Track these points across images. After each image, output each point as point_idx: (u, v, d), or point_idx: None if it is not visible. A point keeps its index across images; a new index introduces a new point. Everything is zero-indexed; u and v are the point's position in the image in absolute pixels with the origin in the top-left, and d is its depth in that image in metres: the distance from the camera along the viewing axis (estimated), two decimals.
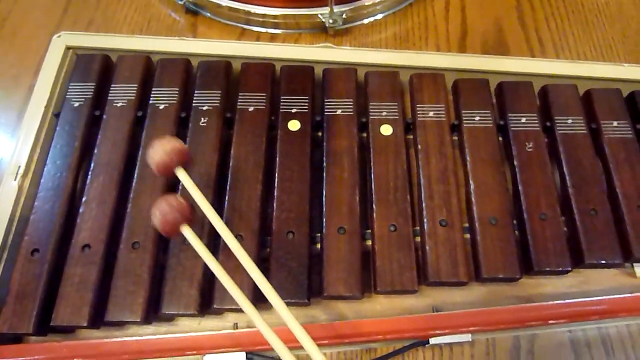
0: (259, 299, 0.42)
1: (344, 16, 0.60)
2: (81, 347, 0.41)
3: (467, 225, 0.46)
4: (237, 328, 0.43)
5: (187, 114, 0.50)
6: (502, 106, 0.51)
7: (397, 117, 0.50)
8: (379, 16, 0.64)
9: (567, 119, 0.50)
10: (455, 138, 0.51)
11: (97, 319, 0.42)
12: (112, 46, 0.55)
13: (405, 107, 0.53)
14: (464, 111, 0.50)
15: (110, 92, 0.51)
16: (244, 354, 0.41)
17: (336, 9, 0.60)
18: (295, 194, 0.46)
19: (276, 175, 0.47)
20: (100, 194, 0.46)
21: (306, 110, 0.50)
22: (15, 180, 0.47)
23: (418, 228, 0.45)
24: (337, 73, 0.52)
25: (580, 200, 0.46)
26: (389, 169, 0.47)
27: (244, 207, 0.45)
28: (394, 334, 0.41)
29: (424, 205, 0.45)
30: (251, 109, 0.50)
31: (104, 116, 0.50)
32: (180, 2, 0.63)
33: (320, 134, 0.50)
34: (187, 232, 0.39)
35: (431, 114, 0.50)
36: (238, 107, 0.50)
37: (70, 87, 0.51)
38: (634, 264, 0.47)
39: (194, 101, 0.51)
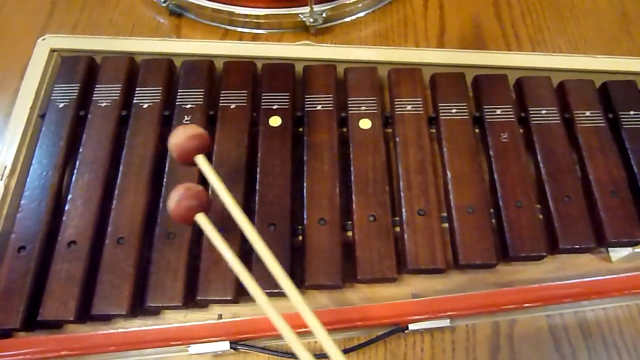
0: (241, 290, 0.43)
1: (324, 15, 0.62)
2: (68, 340, 0.42)
3: (445, 214, 0.47)
4: (221, 319, 0.44)
5: (171, 113, 0.51)
6: (478, 99, 0.52)
7: (375, 112, 0.51)
8: (359, 15, 0.65)
9: (541, 110, 0.51)
10: (433, 130, 0.52)
11: (84, 314, 0.43)
12: (97, 48, 0.56)
13: (384, 101, 0.54)
14: (440, 104, 0.51)
15: (95, 92, 0.52)
16: (228, 342, 0.42)
17: (316, 8, 0.61)
18: (277, 188, 0.47)
19: (258, 170, 0.48)
20: (85, 192, 0.47)
21: (287, 107, 0.51)
22: (1, 180, 0.48)
23: (397, 218, 0.47)
24: (317, 70, 0.54)
25: (554, 187, 0.47)
26: (368, 162, 0.48)
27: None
28: (372, 321, 0.42)
29: (402, 195, 0.47)
30: (233, 106, 0.51)
31: (89, 116, 0.51)
32: (163, 5, 0.64)
33: (301, 129, 0.51)
34: (202, 220, 0.40)
35: (409, 107, 0.51)
36: (220, 104, 0.51)
37: (55, 88, 0.52)
38: (609, 249, 0.48)
39: (177, 100, 0.52)
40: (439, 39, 0.63)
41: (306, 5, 0.60)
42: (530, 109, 0.51)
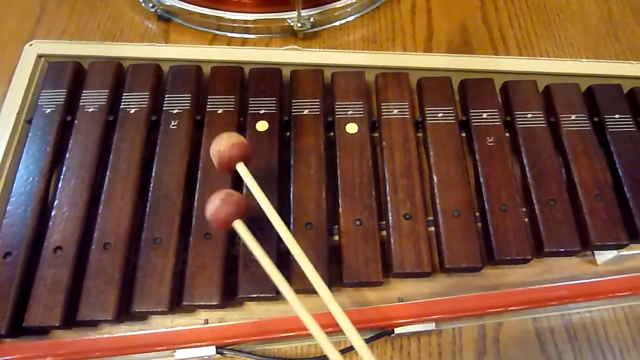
0: (227, 296, 0.43)
1: (312, 20, 0.62)
2: (53, 345, 0.41)
3: (431, 218, 0.47)
4: (207, 324, 0.44)
5: (158, 117, 0.51)
6: (465, 103, 0.53)
7: (362, 116, 0.51)
8: (347, 19, 0.66)
9: (527, 114, 0.51)
10: (420, 134, 0.52)
11: (70, 319, 0.42)
12: (84, 53, 0.56)
13: (371, 106, 0.54)
14: (427, 108, 0.52)
15: (82, 97, 0.52)
16: (214, 347, 0.42)
17: (304, 13, 0.61)
18: (263, 192, 0.47)
19: None
20: (71, 197, 0.47)
21: (274, 111, 0.51)
22: None
23: (383, 222, 0.47)
24: (304, 74, 0.54)
25: (539, 191, 0.47)
26: (355, 166, 0.48)
27: None
28: (357, 325, 0.42)
29: (388, 199, 0.47)
30: (220, 111, 0.51)
31: (76, 121, 0.51)
32: (152, 10, 0.64)
33: (288, 133, 0.51)
34: (239, 226, 0.40)
35: (395, 111, 0.51)
36: (207, 109, 0.51)
37: (42, 93, 0.52)
38: (595, 252, 0.49)
39: (164, 105, 0.52)
40: (426, 43, 0.64)
41: (294, 10, 0.61)
42: (516, 112, 0.51)
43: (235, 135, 0.44)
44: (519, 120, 0.51)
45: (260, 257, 0.39)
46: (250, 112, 0.51)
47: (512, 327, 0.47)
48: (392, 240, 0.45)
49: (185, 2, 0.63)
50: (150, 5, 0.64)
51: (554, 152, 0.49)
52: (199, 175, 0.48)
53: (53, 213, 0.46)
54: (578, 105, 0.52)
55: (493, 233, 0.45)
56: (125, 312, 0.43)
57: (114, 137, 0.50)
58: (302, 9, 0.61)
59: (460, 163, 0.49)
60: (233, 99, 0.52)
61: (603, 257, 0.48)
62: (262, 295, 0.43)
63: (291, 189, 0.47)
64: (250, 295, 0.43)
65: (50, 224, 0.45)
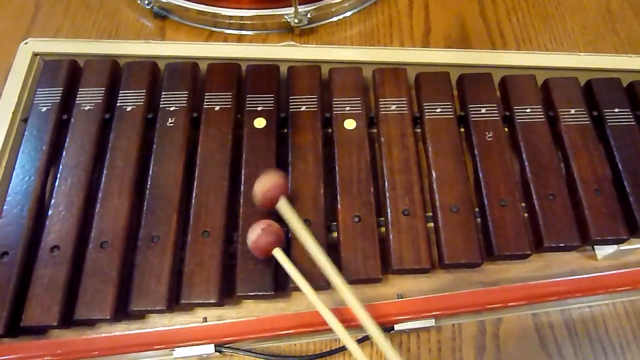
0: (226, 294, 0.43)
1: (309, 16, 0.61)
2: (51, 345, 0.41)
3: (429, 214, 0.47)
4: (206, 322, 0.44)
5: (154, 115, 0.51)
6: (463, 98, 0.52)
7: (360, 112, 0.51)
8: (344, 15, 0.65)
9: (526, 108, 0.51)
10: (418, 130, 0.52)
11: (67, 319, 0.42)
12: (80, 51, 0.56)
13: (369, 102, 0.54)
14: (425, 104, 0.51)
15: (78, 96, 0.52)
16: (212, 346, 0.42)
17: (301, 8, 0.61)
18: None
19: (242, 172, 0.48)
20: (68, 196, 0.46)
21: (271, 108, 0.51)
22: None
23: (382, 218, 0.46)
24: (302, 71, 0.54)
25: (539, 186, 0.47)
26: (353, 162, 0.48)
27: (211, 204, 0.46)
28: (357, 321, 0.42)
29: (387, 195, 0.47)
30: (217, 108, 0.51)
31: (72, 120, 0.50)
32: (147, 7, 0.64)
33: (285, 130, 0.51)
34: (279, 254, 0.42)
35: (393, 107, 0.51)
36: (204, 106, 0.51)
37: (37, 92, 0.52)
38: (595, 247, 0.48)
39: (161, 102, 0.51)
40: (424, 38, 0.63)
41: (291, 6, 0.60)
42: (514, 107, 0.51)
43: (276, 175, 0.44)
44: (517, 115, 0.51)
45: (305, 290, 0.41)
46: (247, 109, 0.51)
47: (512, 322, 0.47)
48: (391, 236, 0.45)
49: None
50: (146, 2, 0.64)
51: (553, 146, 0.49)
52: (196, 173, 0.48)
53: (50, 212, 0.46)
54: (577, 100, 0.52)
55: (492, 228, 0.45)
56: (123, 311, 0.43)
57: (111, 136, 0.49)
58: (299, 4, 0.60)
59: (458, 158, 0.48)
60: (230, 96, 0.52)
61: (603, 251, 0.48)
62: (260, 293, 0.43)
63: (289, 186, 0.47)
64: (249, 294, 0.43)
65: (46, 223, 0.45)
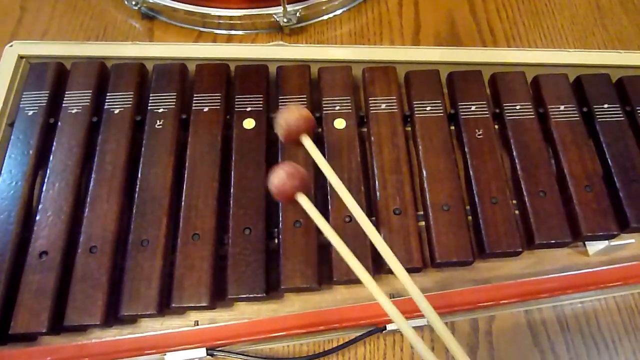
0: (217, 297, 0.43)
1: (298, 15, 0.61)
2: (41, 352, 0.41)
3: (421, 212, 0.47)
4: (197, 325, 0.44)
5: (143, 117, 0.50)
6: (453, 95, 0.52)
7: (350, 111, 0.51)
8: (334, 14, 0.65)
9: (516, 105, 0.51)
10: (408, 128, 0.52)
11: (57, 325, 0.42)
12: (66, 53, 0.55)
13: (359, 101, 0.54)
14: (415, 102, 0.51)
15: (65, 99, 0.51)
16: (204, 349, 0.42)
17: (290, 7, 0.60)
18: (251, 191, 0.46)
19: (232, 173, 0.47)
20: (56, 201, 0.46)
21: (261, 109, 0.51)
22: None
23: (373, 218, 0.46)
24: (291, 70, 0.53)
25: (529, 183, 0.47)
26: (343, 162, 0.48)
27: (200, 206, 0.46)
28: (349, 322, 0.42)
29: (377, 195, 0.46)
30: (206, 109, 0.51)
31: (59, 123, 0.50)
32: (135, 8, 0.63)
33: (275, 130, 0.50)
34: (303, 199, 0.41)
35: (383, 106, 0.51)
36: (193, 108, 0.51)
37: (23, 96, 0.51)
38: (586, 243, 0.48)
39: (149, 104, 0.51)
40: (414, 36, 0.63)
41: (280, 5, 0.60)
42: (504, 104, 0.51)
43: (303, 109, 0.44)
44: (507, 112, 0.51)
45: (328, 232, 0.40)
46: (236, 109, 0.51)
47: (505, 320, 0.47)
48: (382, 235, 0.45)
49: None
50: (134, 3, 0.63)
51: (543, 143, 0.49)
52: (185, 175, 0.47)
53: (37, 217, 0.45)
54: (567, 96, 0.52)
55: (483, 226, 0.45)
56: (113, 316, 0.43)
57: (99, 139, 0.49)
58: (288, 3, 0.60)
59: (449, 156, 0.48)
60: (219, 97, 0.51)
61: (594, 247, 0.48)
62: (251, 295, 0.42)
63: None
64: (240, 296, 0.43)
65: (34, 228, 0.45)
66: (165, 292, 0.43)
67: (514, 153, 0.49)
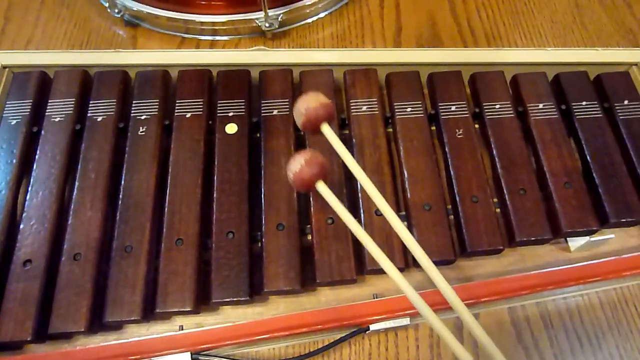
0: (201, 301, 0.43)
1: (279, 19, 0.62)
2: None
3: (402, 213, 0.47)
4: (182, 330, 0.44)
5: (126, 124, 0.51)
6: (433, 96, 0.53)
7: None
8: (316, 17, 0.65)
9: (495, 104, 0.52)
10: (389, 130, 0.52)
11: (42, 333, 0.42)
12: (50, 62, 0.55)
13: (341, 103, 0.54)
14: (396, 103, 0.52)
15: (48, 107, 0.51)
16: (188, 354, 0.42)
17: (271, 12, 0.61)
18: (234, 195, 0.47)
19: (215, 178, 0.48)
20: (40, 209, 0.46)
21: (243, 113, 0.51)
22: None
23: (355, 219, 0.47)
24: (273, 75, 0.54)
25: (509, 181, 0.48)
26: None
27: (184, 211, 0.46)
28: (333, 323, 0.42)
29: (359, 196, 0.47)
30: (189, 115, 0.51)
31: (42, 132, 0.50)
32: (118, 16, 0.63)
33: (258, 134, 0.51)
34: (322, 187, 0.41)
35: (364, 108, 0.51)
36: (176, 114, 0.51)
37: (7, 105, 0.51)
38: (568, 239, 0.49)
39: (132, 111, 0.51)
40: (395, 38, 0.64)
41: (261, 10, 0.60)
42: (484, 104, 0.52)
43: (321, 96, 0.44)
44: (487, 112, 0.51)
45: (347, 220, 0.40)
46: (219, 114, 0.51)
47: (488, 317, 0.48)
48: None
49: (152, 6, 0.62)
50: (116, 11, 0.63)
51: (522, 141, 0.50)
52: (168, 181, 0.47)
53: (21, 226, 0.45)
54: (545, 94, 0.52)
55: (464, 225, 0.46)
56: (98, 323, 0.43)
57: (82, 146, 0.49)
58: (270, 8, 0.61)
59: (430, 157, 0.49)
60: (201, 103, 0.52)
61: (576, 243, 0.48)
62: (235, 299, 0.43)
63: (262, 190, 0.47)
64: (224, 300, 0.43)
65: (18, 237, 0.45)
66: (150, 297, 0.43)
67: (494, 152, 0.49)
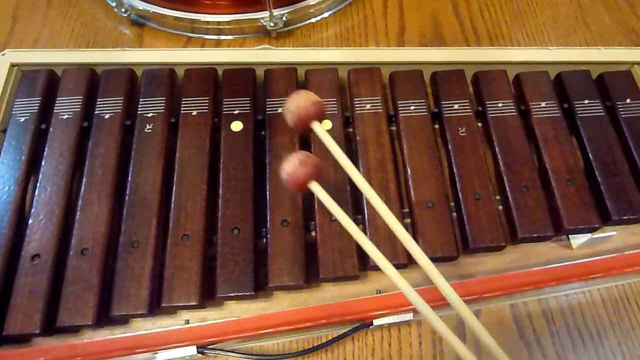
0: (207, 296, 0.44)
1: (284, 19, 0.62)
2: (33, 352, 0.42)
3: (406, 210, 0.48)
4: (188, 324, 0.44)
5: (132, 122, 0.51)
6: (436, 95, 0.53)
7: (336, 112, 0.52)
8: (320, 17, 0.66)
9: (498, 103, 0.52)
10: (393, 128, 0.53)
11: (50, 326, 0.43)
12: (57, 61, 0.56)
13: (345, 101, 0.55)
14: (399, 102, 0.52)
15: (56, 105, 0.52)
16: (194, 347, 0.42)
17: (276, 12, 0.61)
18: (240, 192, 0.47)
19: (220, 175, 0.48)
20: (48, 205, 0.47)
21: (248, 111, 0.52)
22: None
23: (359, 216, 0.47)
24: (278, 73, 0.54)
25: (512, 178, 0.48)
26: (329, 162, 0.48)
27: (190, 207, 0.47)
28: (336, 318, 0.43)
29: (363, 195, 0.47)
30: (194, 113, 0.52)
31: (50, 129, 0.51)
32: (124, 15, 0.64)
33: (262, 132, 0.51)
34: (316, 187, 0.41)
35: (368, 106, 0.52)
36: (182, 111, 0.52)
37: (16, 103, 0.52)
38: (570, 236, 0.49)
39: (138, 109, 0.52)
40: (398, 37, 0.64)
41: (266, 9, 0.61)
42: (487, 102, 0.52)
43: (312, 94, 0.44)
44: (490, 110, 0.52)
45: (342, 218, 0.40)
46: (224, 112, 0.52)
47: (490, 314, 0.48)
48: (368, 233, 0.46)
49: (158, 6, 0.63)
50: (123, 10, 0.64)
51: (525, 139, 0.50)
52: (175, 178, 0.48)
53: (30, 221, 0.46)
54: (548, 93, 0.53)
55: (467, 222, 0.46)
56: (105, 317, 0.43)
57: (89, 143, 0.50)
58: (274, 8, 0.61)
59: (433, 154, 0.49)
60: (207, 101, 0.52)
61: (578, 240, 0.49)
62: (240, 294, 0.43)
63: (267, 187, 0.48)
64: (229, 295, 0.44)
65: (27, 232, 0.46)
66: (156, 292, 0.44)
67: (497, 149, 0.49)
